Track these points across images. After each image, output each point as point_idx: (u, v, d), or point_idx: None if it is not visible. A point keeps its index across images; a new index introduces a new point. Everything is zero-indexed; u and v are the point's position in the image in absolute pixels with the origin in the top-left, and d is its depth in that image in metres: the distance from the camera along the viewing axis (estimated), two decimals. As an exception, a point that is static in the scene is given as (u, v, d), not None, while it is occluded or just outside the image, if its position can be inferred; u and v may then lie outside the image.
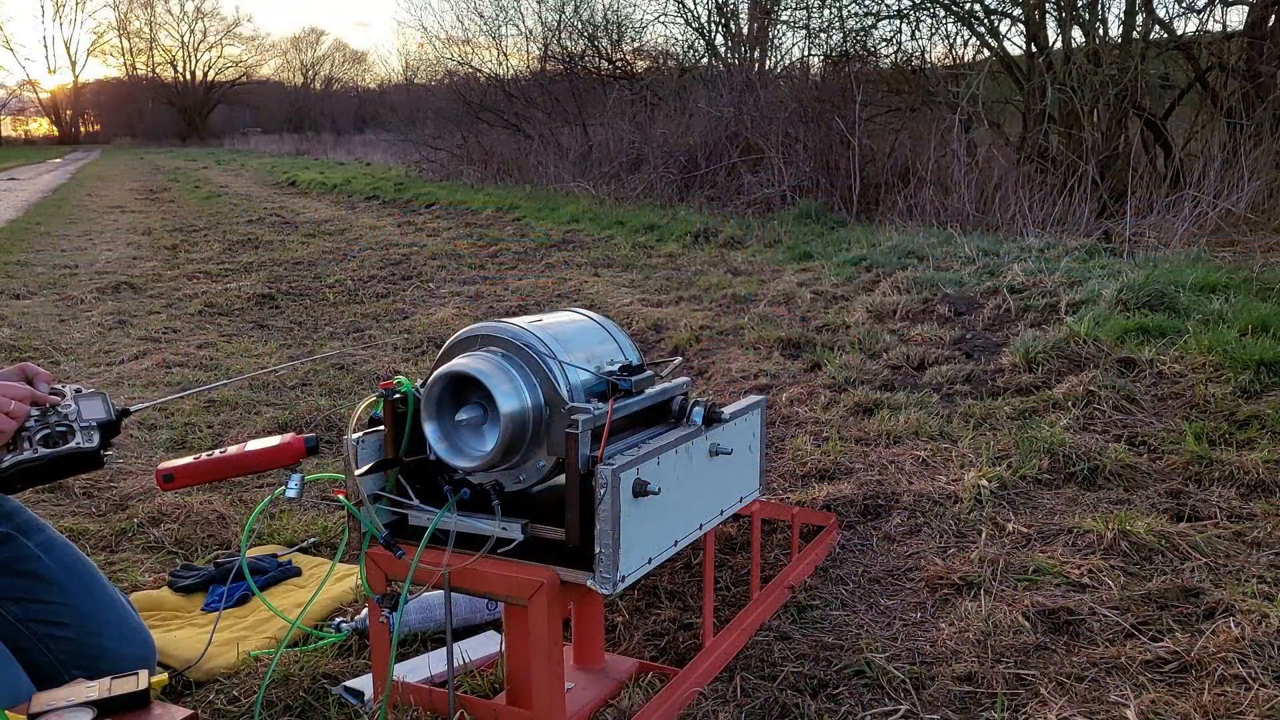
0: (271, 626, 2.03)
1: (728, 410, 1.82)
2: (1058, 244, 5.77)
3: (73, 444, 1.55)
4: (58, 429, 1.55)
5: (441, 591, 1.62)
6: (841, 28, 9.99)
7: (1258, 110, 7.01)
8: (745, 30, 12.40)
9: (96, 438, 1.57)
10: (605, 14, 19.94)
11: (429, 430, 1.58)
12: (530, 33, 17.10)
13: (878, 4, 9.52)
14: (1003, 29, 10.41)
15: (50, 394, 1.60)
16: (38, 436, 1.54)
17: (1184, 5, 8.21)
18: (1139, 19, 7.64)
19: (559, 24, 15.07)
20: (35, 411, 1.56)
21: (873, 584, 2.20)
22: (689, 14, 13.54)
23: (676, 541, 1.68)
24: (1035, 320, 4.23)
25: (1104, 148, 7.30)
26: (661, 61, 14.06)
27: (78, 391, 1.63)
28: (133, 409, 1.69)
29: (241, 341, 4.89)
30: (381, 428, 1.65)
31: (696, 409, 1.74)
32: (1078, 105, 7.42)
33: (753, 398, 1.99)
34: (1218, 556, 2.20)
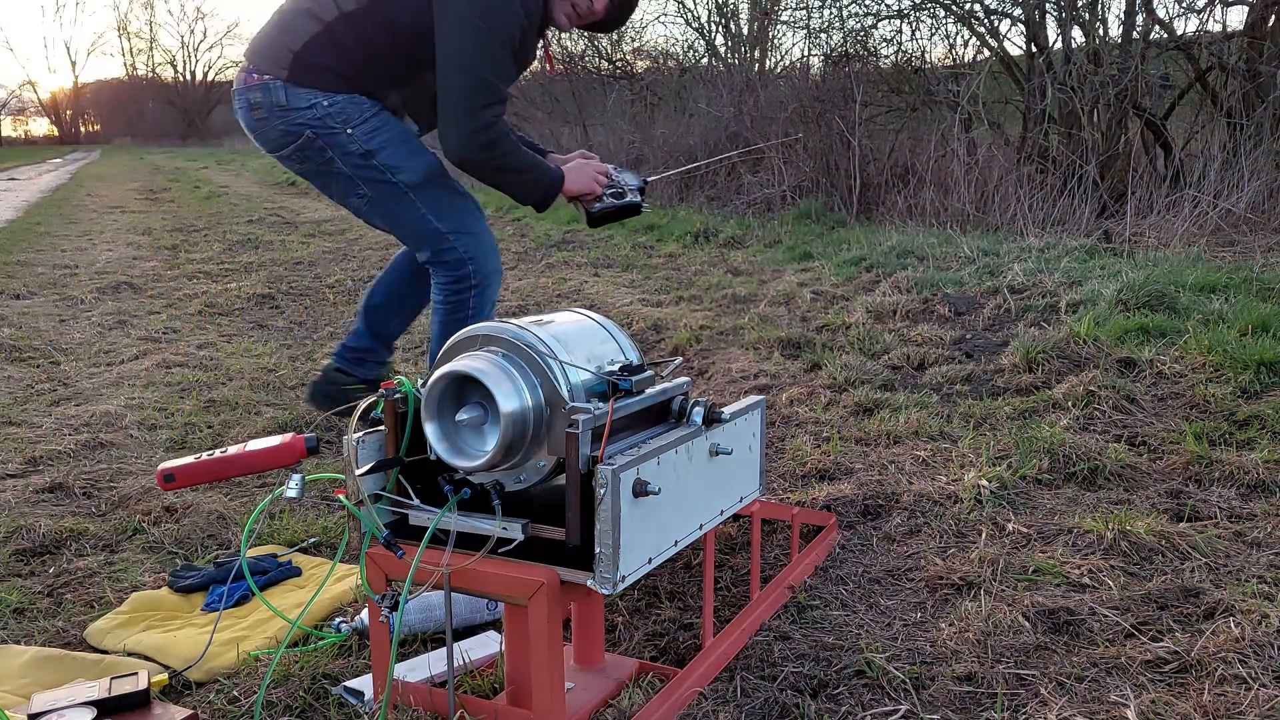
0: (271, 626, 2.03)
1: (728, 410, 1.82)
2: (1058, 244, 5.77)
3: (629, 199, 2.73)
4: (617, 190, 2.70)
5: (442, 591, 1.62)
6: (841, 28, 9.98)
7: (1258, 110, 7.00)
8: (745, 30, 12.40)
9: (639, 195, 2.76)
10: (605, 14, 19.90)
11: (429, 430, 1.58)
12: (530, 33, 17.05)
13: (878, 4, 9.51)
14: (1003, 29, 10.44)
15: None
16: (608, 193, 2.72)
17: (1184, 5, 8.21)
18: (1139, 19, 7.63)
19: (559, 24, 15.04)
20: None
21: (873, 584, 2.20)
22: (689, 14, 13.59)
23: (676, 541, 1.68)
24: (1035, 320, 4.23)
25: (1104, 148, 7.29)
26: (661, 61, 14.05)
27: (617, 167, 2.81)
28: (650, 178, 2.85)
29: (242, 341, 4.89)
30: (382, 428, 1.65)
31: (696, 409, 1.74)
32: (1078, 105, 7.41)
33: (753, 398, 1.99)
34: (1218, 556, 2.20)
